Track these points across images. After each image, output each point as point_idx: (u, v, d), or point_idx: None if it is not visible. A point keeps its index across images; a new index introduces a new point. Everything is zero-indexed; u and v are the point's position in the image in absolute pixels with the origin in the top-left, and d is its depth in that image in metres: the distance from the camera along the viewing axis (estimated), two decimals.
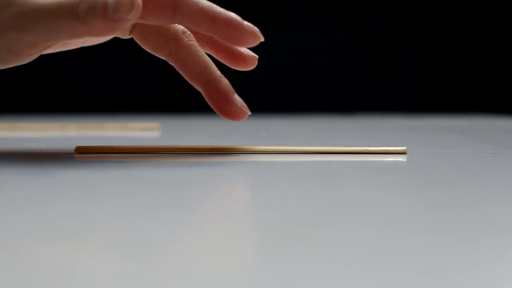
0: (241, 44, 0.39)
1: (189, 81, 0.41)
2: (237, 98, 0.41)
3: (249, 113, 0.41)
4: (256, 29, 0.39)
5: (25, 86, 1.23)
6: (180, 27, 0.41)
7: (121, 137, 0.64)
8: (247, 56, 0.41)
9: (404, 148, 0.43)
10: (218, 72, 0.41)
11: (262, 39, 0.39)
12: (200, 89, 0.41)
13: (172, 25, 0.40)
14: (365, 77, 1.28)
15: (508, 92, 1.28)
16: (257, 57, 0.41)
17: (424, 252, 0.20)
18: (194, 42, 0.41)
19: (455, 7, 1.28)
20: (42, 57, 0.39)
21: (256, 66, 0.41)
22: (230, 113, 0.41)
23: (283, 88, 1.27)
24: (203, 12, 0.38)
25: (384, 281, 0.17)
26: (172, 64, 0.41)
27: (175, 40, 0.40)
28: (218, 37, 0.39)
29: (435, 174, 0.37)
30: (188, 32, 0.41)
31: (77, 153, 0.43)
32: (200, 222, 0.25)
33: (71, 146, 0.44)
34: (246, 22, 0.38)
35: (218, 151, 0.44)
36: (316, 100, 1.27)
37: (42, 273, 0.18)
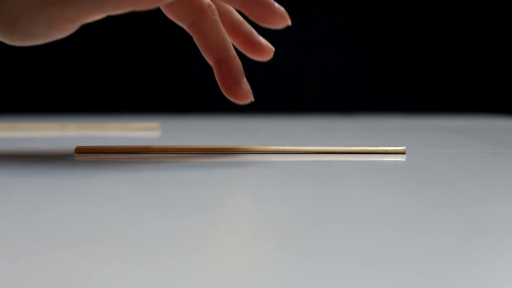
0: (269, 24, 0.40)
1: (204, 54, 0.41)
2: (245, 81, 0.41)
3: (252, 99, 0.42)
4: (286, 12, 0.40)
5: (25, 86, 1.23)
6: (206, 0, 0.41)
7: (121, 137, 0.64)
8: (264, 46, 0.42)
9: (404, 148, 0.43)
10: (234, 52, 0.41)
11: (290, 23, 0.40)
12: (212, 64, 0.41)
13: None
14: (365, 77, 1.28)
15: (508, 92, 1.28)
16: (274, 49, 0.42)
17: (424, 252, 0.20)
18: (217, 18, 0.41)
19: (455, 7, 1.28)
20: (42, 57, 0.39)
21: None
22: (235, 94, 0.41)
23: (283, 88, 1.27)
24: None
25: (384, 281, 0.17)
26: (191, 34, 0.41)
27: (200, 11, 0.40)
28: (248, 14, 0.40)
29: (435, 174, 0.37)
30: (213, 6, 0.41)
31: (77, 153, 0.43)
32: (200, 222, 0.25)
33: (71, 146, 0.44)
34: (277, 4, 0.40)
35: (218, 151, 0.44)
36: (316, 100, 1.27)
37: (42, 274, 0.18)
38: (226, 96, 0.41)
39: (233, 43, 0.42)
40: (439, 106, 1.27)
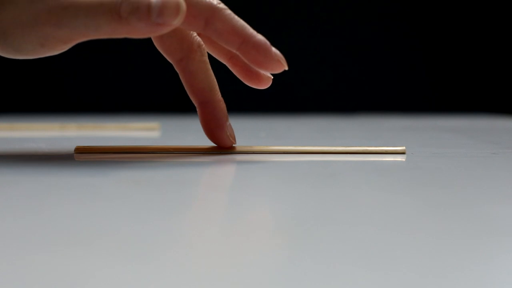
0: (265, 69, 0.39)
1: (188, 93, 0.41)
2: (228, 125, 0.41)
3: (234, 143, 0.42)
4: (282, 57, 0.39)
5: (25, 86, 1.23)
6: (197, 39, 0.40)
7: (121, 137, 0.64)
8: (263, 76, 0.41)
9: (403, 148, 0.43)
10: (219, 96, 0.41)
11: (286, 68, 0.39)
12: (196, 105, 0.41)
13: (190, 33, 0.40)
14: (365, 77, 1.28)
15: (508, 92, 1.28)
16: (272, 78, 0.41)
17: (424, 252, 0.20)
18: (206, 59, 0.41)
19: (455, 7, 1.28)
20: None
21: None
22: (217, 138, 0.42)
23: (283, 88, 1.27)
24: (234, 32, 0.38)
25: (384, 281, 0.17)
26: (178, 72, 0.41)
27: (189, 50, 0.40)
28: (244, 57, 0.39)
29: (435, 174, 0.37)
30: (203, 46, 0.41)
31: (77, 153, 0.43)
32: (200, 222, 0.25)
33: (71, 146, 0.44)
34: (274, 49, 0.39)
35: (218, 151, 0.43)
36: (316, 100, 1.27)
37: (41, 273, 0.18)
38: (208, 138, 0.41)
39: (232, 70, 0.42)
40: (439, 106, 1.27)
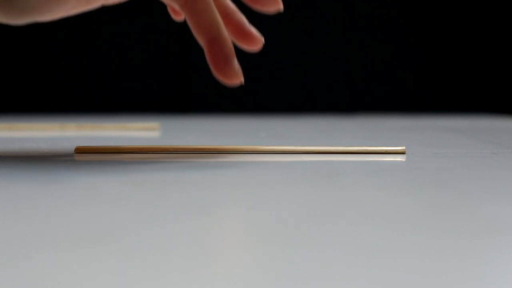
0: (262, 6, 0.41)
1: (195, 33, 0.41)
2: (235, 62, 0.41)
3: (242, 80, 0.42)
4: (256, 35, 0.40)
5: (25, 86, 1.23)
6: None
7: (121, 137, 0.64)
8: (255, 36, 0.42)
9: (403, 148, 0.43)
10: (225, 33, 0.41)
11: (281, 8, 0.40)
12: (203, 44, 0.41)
13: None
14: (365, 77, 1.28)
15: (508, 92, 1.28)
16: (263, 40, 0.42)
17: (424, 252, 0.20)
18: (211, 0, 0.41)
19: (455, 7, 1.28)
20: (42, 57, 0.39)
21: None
22: (225, 74, 0.41)
23: (283, 88, 1.27)
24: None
25: (384, 281, 0.17)
26: (184, 13, 0.41)
27: None
28: None
29: (435, 174, 0.37)
30: None
31: (77, 153, 0.43)
32: (200, 222, 0.25)
33: (71, 146, 0.44)
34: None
35: (218, 151, 0.43)
36: (316, 100, 1.27)
37: (41, 274, 0.18)
38: (216, 75, 0.41)
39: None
40: (439, 106, 1.27)
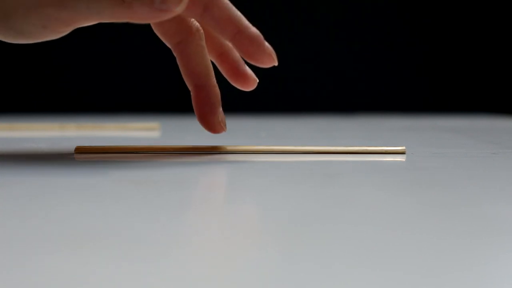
0: (256, 61, 0.39)
1: (184, 77, 0.41)
2: (220, 111, 0.41)
3: (225, 130, 0.42)
4: (274, 52, 0.40)
5: (25, 86, 1.23)
6: (195, 23, 0.41)
7: (121, 137, 0.64)
8: (249, 77, 0.41)
9: (403, 148, 0.43)
10: (214, 80, 0.41)
11: (276, 63, 0.40)
12: (190, 89, 0.42)
13: (189, 18, 0.40)
14: (365, 77, 1.28)
15: (508, 92, 1.28)
16: (258, 81, 0.41)
17: (424, 252, 0.20)
18: (203, 43, 0.41)
19: (455, 7, 1.28)
20: (42, 57, 0.39)
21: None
22: (208, 123, 0.42)
23: (283, 88, 1.27)
24: (231, 22, 0.38)
25: (384, 281, 0.17)
26: (175, 55, 0.41)
27: (187, 33, 0.40)
28: (236, 48, 0.39)
29: (435, 174, 0.37)
30: (201, 31, 0.41)
31: (77, 153, 0.43)
32: (200, 222, 0.25)
33: (71, 146, 0.44)
34: (266, 43, 0.39)
35: (218, 151, 0.43)
36: (316, 100, 1.27)
37: (41, 273, 0.18)
38: (199, 123, 0.41)
39: (219, 68, 0.42)
40: (439, 106, 1.27)
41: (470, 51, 1.28)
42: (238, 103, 1.21)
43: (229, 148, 0.43)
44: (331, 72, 1.27)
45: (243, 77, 0.41)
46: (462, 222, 0.24)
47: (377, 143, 0.55)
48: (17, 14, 0.36)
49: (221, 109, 0.41)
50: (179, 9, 0.36)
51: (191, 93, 0.41)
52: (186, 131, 0.76)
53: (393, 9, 1.28)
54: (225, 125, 0.42)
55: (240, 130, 0.72)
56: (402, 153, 0.43)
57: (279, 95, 1.27)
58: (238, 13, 0.39)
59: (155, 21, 0.37)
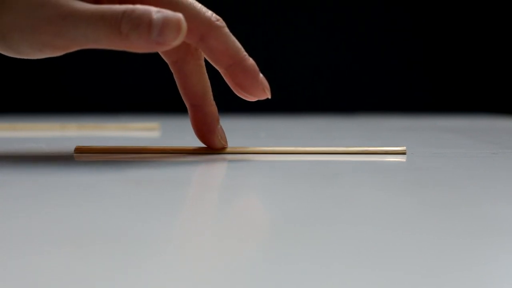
0: (249, 94, 0.40)
1: (181, 95, 0.42)
2: (219, 128, 0.42)
3: (226, 146, 0.42)
4: (267, 86, 0.40)
5: (25, 86, 1.23)
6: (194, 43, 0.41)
7: (121, 137, 0.64)
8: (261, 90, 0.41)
9: (404, 148, 0.43)
10: (211, 100, 0.42)
11: (269, 97, 0.40)
12: (187, 107, 0.42)
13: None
14: (365, 77, 1.28)
15: (508, 92, 1.28)
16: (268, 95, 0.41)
17: (424, 252, 0.20)
18: (202, 62, 0.41)
19: (455, 7, 1.28)
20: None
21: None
22: (207, 140, 0.42)
23: (283, 88, 1.27)
24: (227, 54, 0.38)
25: (384, 280, 0.17)
26: (173, 72, 0.41)
27: (186, 52, 0.41)
28: (230, 79, 0.39)
29: (435, 174, 0.37)
30: (200, 51, 0.40)
31: (77, 153, 0.43)
32: (199, 222, 0.25)
33: (71, 146, 0.44)
34: (261, 76, 0.39)
35: (217, 151, 0.43)
36: (316, 100, 1.27)
37: (41, 273, 0.18)
38: (200, 140, 0.42)
39: (224, 78, 0.41)
40: (439, 106, 1.27)
41: (470, 51, 1.28)
42: (238, 103, 1.21)
43: (229, 148, 0.43)
44: (331, 72, 1.27)
45: (245, 90, 0.41)
46: (462, 222, 0.24)
47: (377, 143, 0.55)
48: (13, 37, 0.36)
49: (219, 126, 0.42)
50: (176, 42, 0.35)
51: (189, 112, 0.42)
52: (186, 131, 0.76)
53: (393, 9, 1.28)
54: (226, 141, 0.42)
55: (240, 130, 0.72)
56: (403, 153, 0.43)
57: (279, 95, 1.27)
58: (236, 44, 0.39)
59: (152, 51, 0.37)
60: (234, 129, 0.73)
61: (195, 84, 0.41)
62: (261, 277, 0.18)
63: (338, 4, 1.27)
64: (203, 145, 0.43)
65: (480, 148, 0.52)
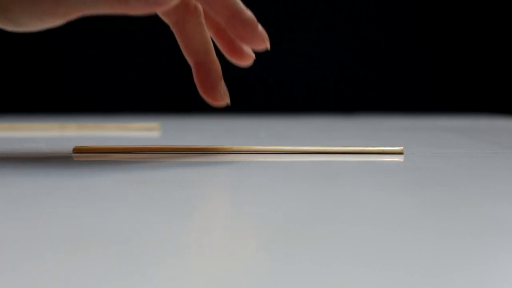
0: (248, 44, 0.40)
1: (184, 53, 0.42)
2: (222, 84, 0.42)
3: (228, 102, 0.42)
4: (267, 36, 0.40)
5: (25, 86, 1.23)
6: (193, 1, 0.41)
7: (121, 137, 0.64)
8: (245, 52, 0.42)
9: (401, 148, 0.43)
10: (214, 56, 0.42)
11: (268, 47, 0.40)
12: (191, 66, 0.42)
13: None
14: (365, 77, 1.28)
15: (508, 92, 1.28)
16: (254, 56, 0.42)
17: (424, 252, 0.20)
18: (202, 20, 0.41)
19: (455, 7, 1.28)
20: (42, 57, 0.39)
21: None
22: (211, 97, 0.42)
23: (283, 88, 1.27)
24: (226, 5, 0.39)
25: (384, 280, 0.17)
26: (174, 33, 0.42)
27: (186, 11, 0.41)
28: (230, 32, 0.40)
29: (435, 174, 0.37)
30: (200, 9, 0.41)
31: (75, 153, 0.43)
32: (200, 222, 0.25)
33: (70, 146, 0.44)
34: (260, 27, 0.40)
35: (218, 151, 0.43)
36: (316, 100, 1.27)
37: (41, 273, 0.18)
38: (202, 96, 0.42)
39: (217, 43, 0.42)
40: (439, 106, 1.27)
41: (470, 51, 1.28)
42: (238, 103, 1.21)
43: (229, 148, 0.43)
44: (331, 72, 1.27)
45: (239, 52, 0.42)
46: (462, 222, 0.24)
47: (376, 143, 0.55)
48: (14, 8, 0.37)
49: (222, 82, 0.42)
50: (174, 2, 0.36)
51: (192, 70, 0.42)
52: (186, 131, 0.76)
53: (393, 9, 1.28)
54: (228, 97, 0.42)
55: (240, 130, 0.72)
56: (400, 153, 0.43)
57: (279, 95, 1.27)
58: None
59: (151, 13, 0.38)
60: (234, 129, 0.73)
61: (197, 41, 0.41)
62: (261, 277, 0.18)
63: (338, 4, 1.27)
64: (203, 145, 0.43)
65: (480, 148, 0.52)
